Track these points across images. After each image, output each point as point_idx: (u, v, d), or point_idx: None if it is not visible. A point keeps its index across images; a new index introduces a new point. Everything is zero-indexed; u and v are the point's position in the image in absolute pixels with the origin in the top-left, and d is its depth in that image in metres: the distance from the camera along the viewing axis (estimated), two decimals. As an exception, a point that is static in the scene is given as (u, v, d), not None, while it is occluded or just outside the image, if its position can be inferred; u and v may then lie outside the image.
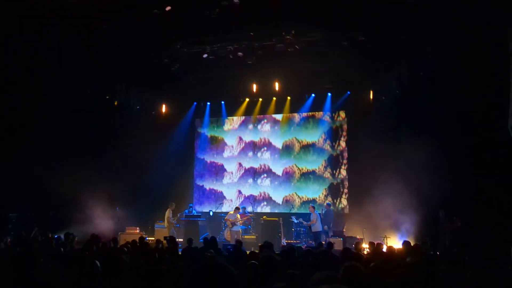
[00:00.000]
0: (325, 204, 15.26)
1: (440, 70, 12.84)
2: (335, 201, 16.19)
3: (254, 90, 16.35)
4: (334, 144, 16.83)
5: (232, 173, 17.96)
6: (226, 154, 18.16)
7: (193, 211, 16.16)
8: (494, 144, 10.27)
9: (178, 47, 13.69)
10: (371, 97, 15.59)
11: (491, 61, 10.08)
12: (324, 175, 16.75)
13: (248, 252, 7.63)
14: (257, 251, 7.65)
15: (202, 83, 16.04)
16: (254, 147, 17.80)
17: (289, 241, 14.64)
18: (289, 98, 16.97)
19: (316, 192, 16.74)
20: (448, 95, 12.23)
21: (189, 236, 11.53)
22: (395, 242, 13.05)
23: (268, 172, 17.46)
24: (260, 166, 17.62)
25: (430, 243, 12.33)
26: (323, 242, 11.84)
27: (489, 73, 10.20)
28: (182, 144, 18.04)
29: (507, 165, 9.83)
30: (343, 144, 16.72)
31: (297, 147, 17.26)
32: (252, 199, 17.30)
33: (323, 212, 14.86)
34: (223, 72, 14.95)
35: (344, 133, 16.76)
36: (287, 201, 17.01)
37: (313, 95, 16.72)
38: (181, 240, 14.02)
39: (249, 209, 16.48)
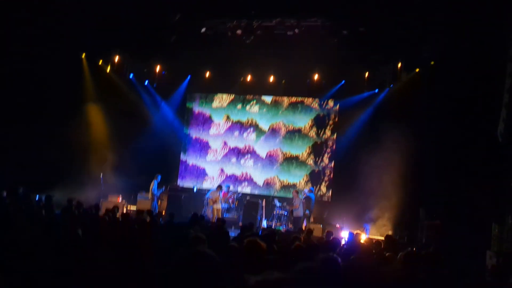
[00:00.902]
0: (307, 189, 15.30)
1: (436, 70, 12.89)
2: (315, 187, 16.28)
3: (250, 70, 16.26)
4: (320, 131, 16.87)
5: (216, 151, 17.94)
6: (212, 131, 18.10)
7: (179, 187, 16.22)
8: (480, 147, 10.36)
9: (176, 19, 13.47)
10: (365, 88, 15.55)
11: (488, 65, 10.09)
12: (307, 161, 16.84)
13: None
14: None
15: (198, 58, 15.84)
16: (240, 127, 17.76)
17: (270, 223, 14.78)
18: (283, 81, 16.83)
19: (298, 177, 16.84)
20: (441, 95, 12.28)
21: (171, 211, 11.60)
22: (374, 234, 13.26)
23: (252, 154, 17.48)
24: (244, 146, 17.62)
25: (407, 239, 12.54)
26: (304, 228, 11.97)
27: (485, 76, 10.21)
28: (173, 117, 17.93)
29: (490, 169, 9.93)
30: (328, 132, 16.78)
31: (283, 131, 17.27)
32: (234, 179, 17.34)
33: (303, 197, 14.91)
34: (220, 48, 14.76)
35: (331, 122, 16.81)
36: (268, 184, 17.09)
37: (308, 81, 16.60)
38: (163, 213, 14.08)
39: (232, 188, 16.52)
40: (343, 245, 8.39)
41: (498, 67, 9.25)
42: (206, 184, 17.36)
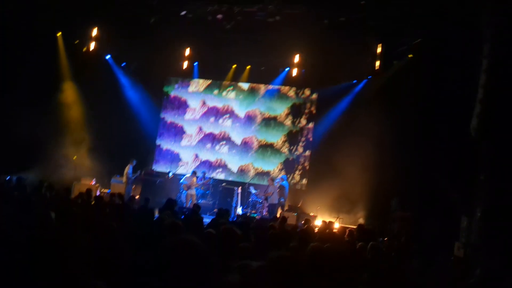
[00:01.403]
0: (279, 177, 15.37)
1: (413, 62, 13.06)
2: (288, 176, 16.38)
3: (228, 55, 16.18)
4: (295, 120, 16.95)
5: (191, 136, 17.83)
6: (187, 116, 17.97)
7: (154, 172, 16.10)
8: (454, 141, 10.57)
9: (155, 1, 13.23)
10: (343, 79, 15.64)
11: (464, 60, 10.25)
12: (282, 149, 16.93)
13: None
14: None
15: (177, 41, 15.61)
16: (216, 113, 17.68)
17: (245, 210, 14.83)
18: (262, 68, 16.78)
19: (272, 165, 16.93)
20: (417, 88, 12.46)
21: (145, 195, 11.52)
22: (347, 223, 13.45)
23: (227, 140, 17.46)
24: (220, 133, 17.57)
25: (379, 229, 12.74)
26: (278, 216, 12.04)
27: (460, 71, 10.38)
28: (150, 101, 17.65)
29: (462, 163, 10.15)
30: (304, 121, 16.87)
31: (259, 118, 17.27)
32: (208, 165, 17.29)
33: (277, 185, 14.98)
34: (200, 32, 14.57)
35: (307, 111, 16.90)
36: (242, 171, 17.13)
37: (287, 68, 16.59)
38: (137, 198, 13.97)
39: (207, 174, 16.49)
40: (316, 233, 8.48)
41: (473, 62, 9.40)
42: (181, 170, 17.27)
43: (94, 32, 15.04)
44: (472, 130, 8.98)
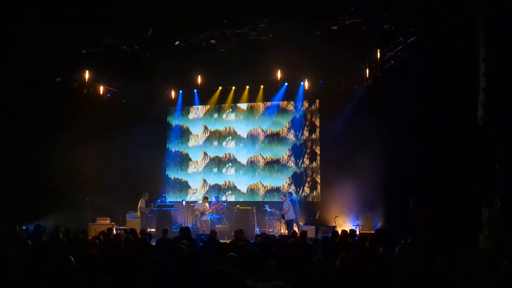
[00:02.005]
0: (286, 193, 15.30)
1: (412, 60, 13.00)
2: (298, 189, 16.42)
3: (226, 78, 16.39)
4: (298, 133, 16.96)
5: (197, 162, 17.87)
6: (191, 143, 18.04)
7: (166, 201, 16.00)
8: (464, 133, 10.46)
9: (149, 34, 13.39)
10: (343, 86, 15.66)
11: (462, 51, 10.22)
12: (288, 164, 16.91)
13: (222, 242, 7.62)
14: (228, 242, 7.66)
15: (174, 71, 15.73)
16: (219, 136, 17.75)
17: (262, 230, 14.72)
18: (262, 86, 16.88)
19: (280, 180, 16.92)
20: (420, 85, 12.41)
21: (162, 227, 11.48)
22: (367, 229, 13.32)
23: (233, 161, 17.48)
24: (225, 155, 17.63)
25: (399, 231, 12.56)
26: (296, 230, 11.93)
27: (460, 63, 10.34)
28: (153, 133, 17.69)
29: (475, 154, 10.03)
30: (306, 133, 16.91)
31: (261, 136, 17.31)
32: (217, 189, 17.28)
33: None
34: (196, 59, 14.68)
35: (308, 123, 16.94)
36: (252, 190, 17.11)
37: (286, 84, 16.67)
38: (153, 230, 13.92)
39: (223, 198, 16.47)
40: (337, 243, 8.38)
41: (472, 52, 9.38)
42: (193, 197, 17.24)
43: (91, 73, 15.22)
44: (480, 119, 8.90)
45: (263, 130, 17.32)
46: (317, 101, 16.87)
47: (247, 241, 8.63)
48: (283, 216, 14.31)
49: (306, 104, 17.02)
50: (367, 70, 14.13)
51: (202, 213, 14.60)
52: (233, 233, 13.19)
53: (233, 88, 17.27)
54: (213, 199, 15.74)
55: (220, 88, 17.24)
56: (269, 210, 15.01)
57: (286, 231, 14.04)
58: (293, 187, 16.50)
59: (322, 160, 16.43)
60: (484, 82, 8.85)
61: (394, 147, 13.11)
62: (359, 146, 13.72)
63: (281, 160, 16.99)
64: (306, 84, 16.13)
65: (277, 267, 3.86)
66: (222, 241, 9.73)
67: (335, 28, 12.43)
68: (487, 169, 9.11)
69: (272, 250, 5.68)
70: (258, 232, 14.10)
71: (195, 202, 15.80)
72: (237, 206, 15.67)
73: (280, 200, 14.78)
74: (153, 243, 8.70)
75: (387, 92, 13.87)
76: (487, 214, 9.40)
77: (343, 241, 8.91)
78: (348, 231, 10.19)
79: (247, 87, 17.00)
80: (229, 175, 17.45)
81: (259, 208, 15.42)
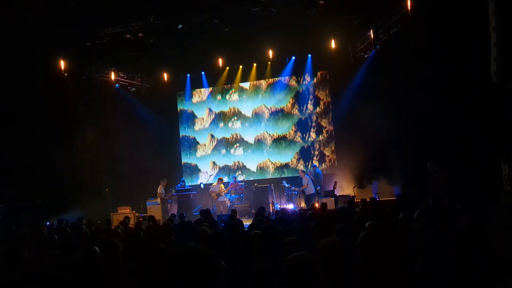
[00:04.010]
0: (310, 167, 15.36)
1: (417, 23, 12.70)
2: (306, 163, 16.46)
3: (232, 58, 16.35)
4: (302, 108, 16.94)
5: (205, 145, 17.94)
6: (197, 126, 18.08)
7: (186, 185, 16.13)
8: (478, 90, 10.26)
9: (151, 20, 13.31)
10: (350, 54, 15.44)
11: (470, 6, 9.97)
12: (295, 139, 16.94)
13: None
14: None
15: (179, 55, 15.66)
16: (224, 117, 17.75)
17: (282, 206, 14.77)
18: (269, 63, 16.71)
19: (289, 156, 16.99)
20: (429, 44, 12.14)
21: (182, 211, 11.59)
22: (387, 196, 13.28)
23: (241, 141, 17.52)
24: (232, 136, 17.66)
25: (418, 195, 12.45)
26: (316, 204, 11.95)
27: (469, 18, 10.08)
28: (165, 119, 17.72)
29: (490, 110, 9.86)
30: (310, 107, 16.86)
31: (266, 114, 17.29)
32: (227, 170, 17.42)
33: (312, 174, 14.94)
34: (199, 41, 14.56)
35: (311, 96, 16.86)
36: (261, 168, 17.23)
37: (293, 58, 16.50)
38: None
39: (240, 178, 16.53)
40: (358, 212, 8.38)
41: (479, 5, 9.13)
42: (208, 179, 17.40)
43: (98, 65, 15.26)
44: (493, 75, 8.72)
45: (267, 108, 17.28)
46: (319, 73, 16.78)
47: (267, 218, 8.69)
48: (303, 192, 14.33)
49: (308, 78, 16.91)
50: (374, 36, 13.92)
51: (218, 195, 14.69)
52: (253, 211, 13.30)
53: (241, 67, 17.14)
54: (231, 179, 15.81)
55: (228, 68, 17.11)
56: (287, 185, 15.02)
57: (305, 206, 14.06)
58: (301, 162, 16.60)
59: (335, 129, 16.37)
60: (495, 37, 8.63)
61: (406, 109, 12.92)
62: (371, 112, 13.56)
63: (288, 136, 17.00)
64: (313, 57, 16.01)
65: (298, 242, 3.87)
66: (242, 219, 9.81)
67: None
68: (504, 124, 8.96)
69: (293, 224, 5.69)
70: (278, 209, 14.15)
71: (211, 184, 15.91)
72: (255, 184, 15.73)
73: (298, 175, 14.80)
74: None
75: (396, 55, 13.61)
76: (508, 170, 9.29)
77: (364, 210, 8.91)
78: (368, 199, 10.18)
79: (255, 64, 16.85)
80: (238, 155, 17.54)
81: (277, 185, 15.45)
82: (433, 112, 12.28)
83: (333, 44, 14.81)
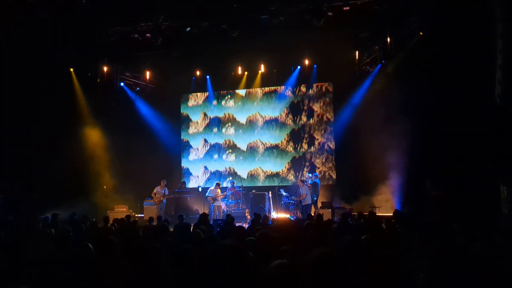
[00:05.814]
0: (311, 175, 15.33)
1: (425, 38, 12.75)
2: (297, 174, 16.53)
3: (239, 64, 16.36)
4: (296, 118, 17.07)
5: (197, 149, 17.98)
6: (191, 130, 18.12)
7: (186, 187, 16.15)
8: (480, 111, 10.27)
9: (160, 21, 13.38)
10: (356, 67, 15.49)
11: (477, 28, 10.01)
12: (287, 149, 17.02)
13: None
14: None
15: (186, 57, 15.70)
16: (218, 122, 17.82)
17: (278, 214, 14.76)
18: (274, 71, 16.78)
19: (280, 166, 17.06)
20: (436, 63, 12.18)
21: (178, 213, 11.59)
22: (384, 211, 13.27)
23: (233, 148, 17.57)
24: (225, 141, 17.72)
25: (416, 212, 12.45)
26: (313, 214, 11.94)
27: (475, 40, 10.13)
28: (167, 120, 17.73)
29: (493, 132, 9.86)
30: (304, 118, 16.99)
31: (260, 122, 17.37)
32: (218, 175, 17.45)
33: (311, 183, 14.89)
34: (207, 45, 14.62)
35: (306, 107, 16.98)
36: (252, 176, 17.27)
37: (298, 67, 16.53)
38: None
39: (238, 183, 16.50)
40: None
41: (487, 29, 9.17)
42: (192, 184, 17.44)
43: (105, 63, 15.30)
44: (497, 98, 8.74)
45: (262, 116, 17.38)
46: (315, 85, 16.84)
47: (263, 225, 8.69)
48: (300, 202, 14.28)
49: (303, 89, 17.02)
50: (380, 51, 13.97)
51: (214, 199, 14.67)
52: (249, 217, 13.29)
53: (246, 73, 17.19)
54: (229, 184, 15.80)
55: (232, 73, 17.16)
56: (284, 194, 14.99)
57: (301, 215, 14.03)
58: (292, 171, 16.71)
59: (335, 141, 16.42)
60: (501, 59, 8.67)
61: (409, 126, 12.92)
62: (373, 126, 13.60)
63: (280, 146, 17.11)
64: (318, 67, 16.05)
65: (293, 250, 3.87)
66: (238, 225, 9.80)
67: (347, 8, 12.28)
68: (505, 147, 8.97)
69: (288, 233, 5.68)
70: (274, 217, 14.13)
71: (207, 188, 15.90)
72: (253, 191, 15.71)
73: (292, 184, 14.82)
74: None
75: (401, 72, 13.67)
76: (506, 193, 9.28)
77: (361, 224, 8.91)
78: (368, 214, 10.16)
79: (260, 71, 16.90)
80: (230, 161, 17.60)
81: (274, 193, 15.45)
82: (436, 131, 12.31)
83: (337, 55, 14.88)
